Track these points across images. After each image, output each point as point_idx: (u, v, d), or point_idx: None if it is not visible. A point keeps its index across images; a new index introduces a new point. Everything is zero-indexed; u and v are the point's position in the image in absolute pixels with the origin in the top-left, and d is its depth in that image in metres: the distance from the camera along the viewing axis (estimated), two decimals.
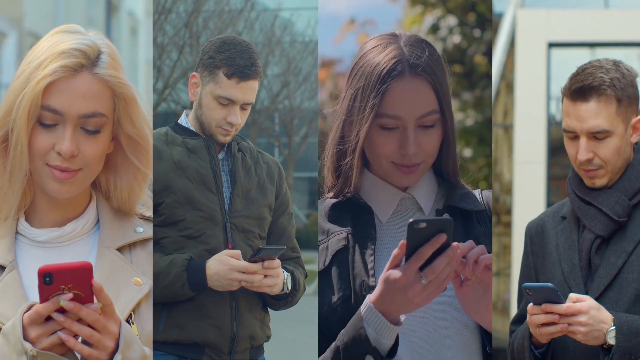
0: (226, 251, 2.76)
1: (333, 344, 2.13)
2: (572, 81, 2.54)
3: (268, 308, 2.91)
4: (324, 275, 2.24)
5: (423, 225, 1.99)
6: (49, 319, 1.94)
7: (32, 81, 2.06)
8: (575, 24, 10.20)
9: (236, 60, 2.82)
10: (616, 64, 2.54)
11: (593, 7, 10.84)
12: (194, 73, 2.89)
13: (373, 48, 2.22)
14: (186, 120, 2.90)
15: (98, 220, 2.21)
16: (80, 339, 1.96)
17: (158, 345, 2.77)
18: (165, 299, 2.75)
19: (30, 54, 2.12)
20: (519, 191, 9.57)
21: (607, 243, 2.55)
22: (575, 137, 2.55)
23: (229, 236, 2.82)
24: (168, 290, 2.73)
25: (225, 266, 2.72)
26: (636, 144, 2.60)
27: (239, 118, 2.85)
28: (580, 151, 2.52)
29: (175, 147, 2.84)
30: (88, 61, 2.08)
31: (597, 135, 2.52)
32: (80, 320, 1.94)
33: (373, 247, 2.21)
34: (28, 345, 1.93)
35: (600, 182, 2.55)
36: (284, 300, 2.85)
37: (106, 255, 2.16)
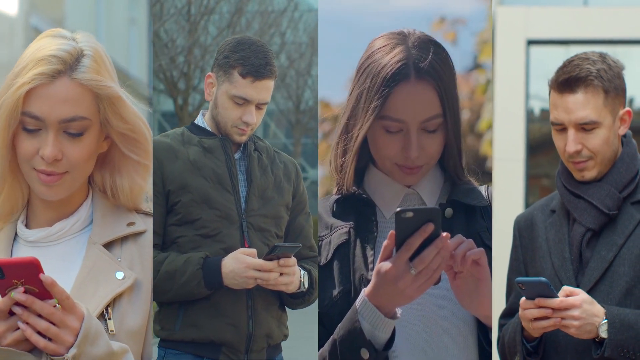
0: (242, 249, 2.77)
1: (331, 337, 2.15)
2: (559, 73, 2.55)
3: (286, 307, 2.92)
4: (325, 269, 2.26)
5: (410, 214, 1.99)
6: (12, 315, 2.00)
7: (12, 87, 2.11)
8: (554, 22, 10.14)
9: (251, 60, 2.83)
10: (602, 56, 2.57)
11: (572, 4, 10.77)
12: (210, 73, 2.90)
13: (381, 48, 2.22)
14: (202, 120, 2.92)
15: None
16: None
17: (175, 344, 2.80)
18: (181, 298, 2.77)
19: (20, 58, 2.17)
20: (498, 189, 9.47)
21: (598, 236, 2.55)
22: (563, 129, 2.56)
23: (245, 235, 2.83)
24: (184, 289, 2.75)
25: (240, 264, 2.73)
26: (624, 136, 2.60)
27: (254, 117, 2.86)
28: (568, 143, 2.53)
29: (192, 146, 2.86)
30: (65, 67, 2.12)
31: (585, 127, 2.53)
32: (41, 316, 1.99)
33: (374, 241, 2.22)
34: None
35: (589, 174, 2.55)
36: (301, 298, 2.85)
37: (91, 251, 2.19)
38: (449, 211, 2.25)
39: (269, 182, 2.91)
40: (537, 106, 10.35)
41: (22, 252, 2.19)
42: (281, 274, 2.75)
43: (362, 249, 2.23)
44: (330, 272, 2.25)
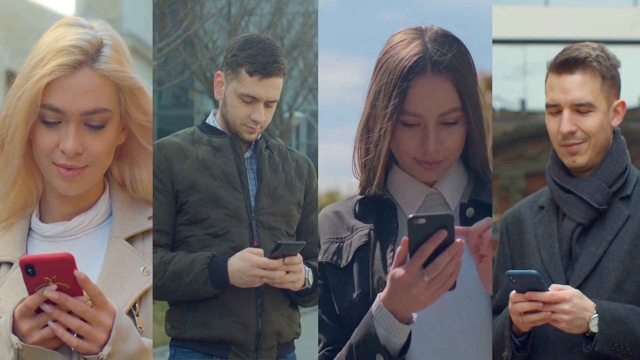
0: (249, 249, 2.76)
1: (348, 342, 2.13)
2: (558, 55, 2.54)
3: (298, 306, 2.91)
4: (345, 271, 2.23)
5: (422, 221, 1.97)
6: (40, 312, 1.94)
7: (31, 79, 2.04)
8: (515, 21, 10.00)
9: (258, 58, 2.83)
10: (601, 46, 2.56)
11: (533, 4, 10.65)
12: (219, 72, 2.90)
13: (398, 43, 2.20)
14: (213, 119, 2.93)
15: (112, 212, 2.20)
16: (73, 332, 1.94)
17: (184, 343, 2.81)
18: (188, 297, 2.78)
19: (34, 48, 2.10)
20: None
21: (588, 232, 2.52)
22: (557, 112, 2.53)
23: (255, 233, 2.82)
24: (190, 288, 2.75)
25: (246, 263, 2.73)
26: (614, 132, 2.56)
27: (263, 115, 2.85)
28: (563, 123, 2.51)
29: (201, 146, 2.86)
30: (87, 57, 2.06)
31: (580, 109, 2.51)
32: (71, 313, 1.93)
33: (394, 243, 2.19)
34: (14, 339, 1.92)
35: (581, 159, 2.52)
36: (308, 296, 2.84)
37: (114, 246, 2.14)
38: (470, 211, 2.21)
39: (280, 180, 2.90)
40: (497, 106, 10.30)
41: (38, 247, 2.15)
42: (287, 272, 2.74)
43: (382, 251, 2.20)
44: (350, 274, 2.22)
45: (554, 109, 2.54)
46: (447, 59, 2.14)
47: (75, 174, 2.08)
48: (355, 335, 2.10)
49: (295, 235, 2.93)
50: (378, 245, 2.20)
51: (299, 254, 2.76)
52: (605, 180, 2.53)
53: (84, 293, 1.94)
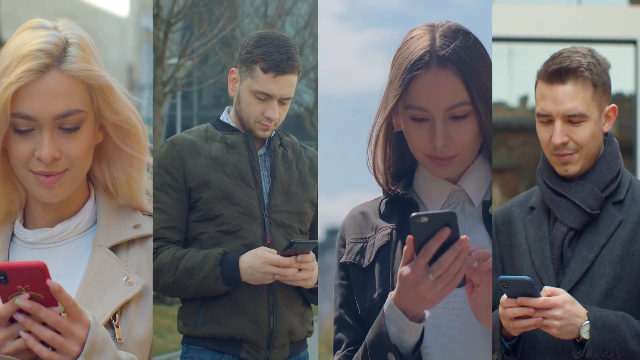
0: (263, 247, 2.76)
1: (364, 341, 2.14)
2: (549, 64, 2.52)
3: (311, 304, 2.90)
4: (368, 271, 2.23)
5: (425, 219, 1.97)
6: (14, 322, 1.87)
7: None
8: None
9: (272, 55, 2.82)
10: (591, 50, 2.55)
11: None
12: (233, 68, 2.90)
13: (411, 39, 2.20)
14: (227, 116, 2.92)
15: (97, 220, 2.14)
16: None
17: (196, 340, 2.80)
18: (200, 294, 2.77)
19: (0, 55, 2.04)
20: None
21: (579, 236, 2.51)
22: (549, 121, 2.52)
23: (268, 231, 2.82)
24: (202, 285, 2.75)
25: (258, 260, 2.72)
26: (606, 135, 2.55)
27: (277, 113, 2.84)
28: (555, 135, 2.49)
29: (215, 142, 2.86)
30: (53, 59, 2.00)
31: (572, 119, 2.49)
32: (45, 324, 1.86)
33: None
34: None
35: (573, 168, 2.51)
36: None
37: (97, 254, 2.08)
38: (493, 209, 2.21)
39: (294, 178, 2.89)
40: None
41: (20, 253, 2.10)
42: (300, 270, 2.73)
43: (403, 251, 2.20)
44: (372, 274, 2.22)
45: (545, 118, 2.53)
46: (453, 53, 2.13)
47: (55, 179, 2.03)
48: (370, 334, 2.11)
49: (309, 233, 2.92)
50: (399, 244, 2.20)
51: (311, 252, 2.75)
52: (598, 184, 2.52)
53: (59, 304, 1.87)
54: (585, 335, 2.34)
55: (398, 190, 2.25)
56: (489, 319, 2.10)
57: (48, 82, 1.99)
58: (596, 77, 2.49)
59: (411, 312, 2.05)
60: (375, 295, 2.19)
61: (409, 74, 2.13)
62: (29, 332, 1.86)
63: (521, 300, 2.30)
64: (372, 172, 2.29)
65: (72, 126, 2.02)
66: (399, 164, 2.28)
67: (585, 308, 2.36)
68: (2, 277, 1.85)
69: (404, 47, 2.19)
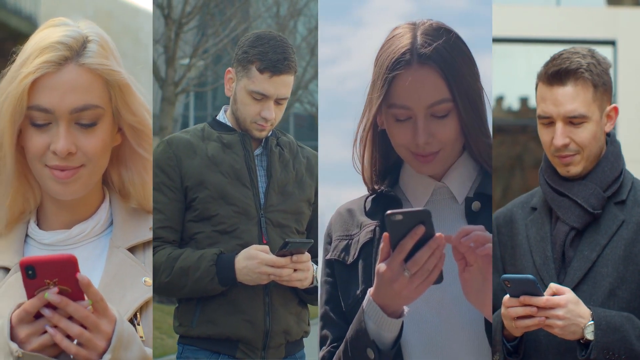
0: (255, 246, 2.75)
1: (345, 337, 2.15)
2: (549, 66, 2.52)
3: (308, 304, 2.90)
4: (352, 268, 2.24)
5: (400, 217, 1.98)
6: (38, 317, 1.86)
7: (15, 80, 1.99)
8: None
9: (269, 55, 2.82)
10: (591, 51, 2.53)
11: None
12: (229, 68, 2.90)
13: (392, 37, 2.22)
14: (224, 116, 2.92)
15: (113, 222, 2.15)
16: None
17: (192, 340, 2.80)
18: (196, 294, 2.77)
19: (22, 49, 2.06)
20: None
21: (581, 236, 2.50)
22: (550, 123, 2.52)
23: (264, 231, 2.81)
24: (198, 285, 2.74)
25: (253, 260, 2.72)
26: (608, 135, 2.55)
27: (273, 113, 2.84)
28: (556, 137, 2.49)
29: (211, 142, 2.85)
30: (72, 53, 2.01)
31: (573, 121, 2.49)
32: (71, 318, 1.85)
33: None
34: (13, 346, 1.85)
35: (575, 169, 2.50)
36: (316, 294, 2.82)
37: (115, 255, 2.09)
38: (476, 204, 2.21)
39: (290, 178, 2.89)
40: None
41: (35, 254, 2.05)
42: (295, 270, 2.73)
43: None
44: (356, 270, 2.23)
45: (546, 120, 2.52)
46: (434, 51, 2.14)
47: (70, 174, 2.02)
48: (350, 330, 2.12)
49: (306, 232, 2.91)
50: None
51: (307, 252, 2.74)
52: (600, 184, 2.51)
53: (86, 298, 1.87)
54: (589, 336, 2.32)
55: (382, 187, 2.27)
56: (479, 301, 2.08)
57: (66, 75, 2.00)
58: (596, 77, 2.48)
59: (389, 308, 2.06)
60: (358, 292, 2.21)
61: (391, 73, 2.15)
62: (55, 327, 1.85)
63: (524, 298, 2.29)
64: (358, 170, 2.31)
65: (89, 122, 2.02)
66: (384, 162, 2.29)
67: (590, 308, 2.34)
68: (30, 272, 1.84)
69: (386, 45, 2.20)
